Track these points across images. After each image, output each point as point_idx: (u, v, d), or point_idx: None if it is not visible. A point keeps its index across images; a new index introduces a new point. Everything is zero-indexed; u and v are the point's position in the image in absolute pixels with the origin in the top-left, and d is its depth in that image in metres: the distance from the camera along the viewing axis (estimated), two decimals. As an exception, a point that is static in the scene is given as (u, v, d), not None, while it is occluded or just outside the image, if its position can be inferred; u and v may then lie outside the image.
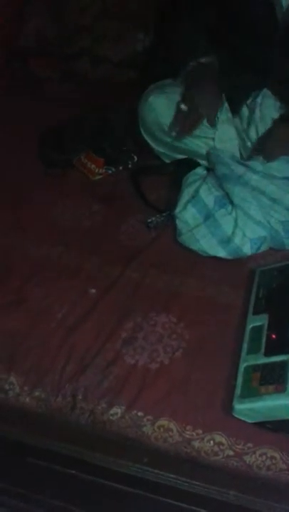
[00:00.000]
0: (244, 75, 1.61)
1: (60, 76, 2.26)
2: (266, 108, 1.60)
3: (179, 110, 1.62)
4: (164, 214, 1.58)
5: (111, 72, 2.19)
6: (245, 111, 1.65)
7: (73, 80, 2.23)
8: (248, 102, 1.64)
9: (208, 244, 1.44)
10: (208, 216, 1.47)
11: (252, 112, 1.61)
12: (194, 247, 1.46)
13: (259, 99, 1.61)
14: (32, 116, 2.05)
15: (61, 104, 2.11)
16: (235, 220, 1.43)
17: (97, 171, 1.77)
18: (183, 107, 1.61)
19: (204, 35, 1.62)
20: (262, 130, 1.60)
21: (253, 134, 1.61)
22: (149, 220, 1.57)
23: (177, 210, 1.52)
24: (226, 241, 1.42)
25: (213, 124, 1.63)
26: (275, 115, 1.59)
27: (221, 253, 1.43)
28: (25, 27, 2.29)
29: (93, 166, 1.78)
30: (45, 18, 2.27)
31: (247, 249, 1.42)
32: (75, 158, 1.81)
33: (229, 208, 1.45)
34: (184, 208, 1.51)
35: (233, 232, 1.42)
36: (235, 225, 1.42)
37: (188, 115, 1.61)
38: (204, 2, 1.62)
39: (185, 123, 1.62)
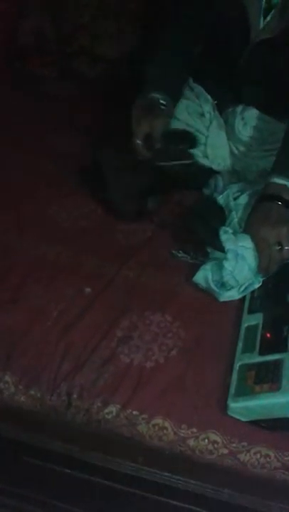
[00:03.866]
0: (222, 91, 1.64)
1: (58, 74, 2.27)
2: (248, 117, 1.61)
3: None
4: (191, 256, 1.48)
5: (109, 71, 2.20)
6: (227, 116, 1.65)
7: (72, 78, 2.24)
8: (229, 110, 1.65)
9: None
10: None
11: (232, 118, 1.62)
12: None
13: (239, 108, 1.61)
14: (31, 114, 2.06)
15: (60, 103, 2.13)
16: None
17: None
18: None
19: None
20: (243, 137, 1.60)
21: (237, 143, 1.62)
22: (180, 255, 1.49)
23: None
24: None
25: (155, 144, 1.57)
26: (259, 124, 1.60)
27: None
28: (23, 26, 2.30)
29: None
30: (44, 17, 2.28)
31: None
32: None
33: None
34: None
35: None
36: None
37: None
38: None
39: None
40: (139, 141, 1.54)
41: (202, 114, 1.63)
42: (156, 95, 1.56)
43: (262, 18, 1.48)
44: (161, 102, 1.56)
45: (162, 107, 1.57)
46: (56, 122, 2.02)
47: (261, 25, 1.48)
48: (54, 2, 2.23)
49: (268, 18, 1.48)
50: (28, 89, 2.22)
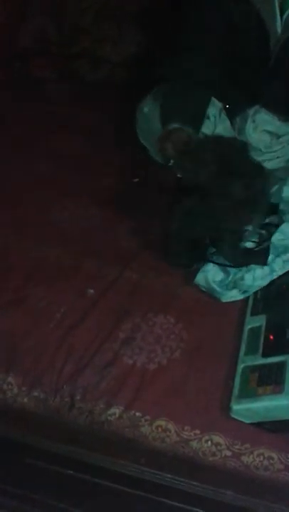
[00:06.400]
0: (237, 94, 1.62)
1: (59, 76, 2.27)
2: (260, 120, 1.61)
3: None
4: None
5: (110, 73, 2.20)
6: (237, 121, 1.65)
7: (73, 80, 2.24)
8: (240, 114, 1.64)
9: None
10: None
11: (244, 122, 1.62)
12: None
13: (251, 112, 1.61)
14: (32, 116, 2.06)
15: (61, 104, 2.13)
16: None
17: None
18: None
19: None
20: (253, 141, 1.60)
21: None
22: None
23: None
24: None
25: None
26: (269, 128, 1.60)
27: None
28: (25, 27, 2.30)
29: None
30: (46, 19, 2.28)
31: None
32: None
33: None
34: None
35: None
36: None
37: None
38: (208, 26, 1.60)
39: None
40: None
41: (207, 117, 1.63)
42: (181, 127, 1.48)
43: (278, 17, 1.47)
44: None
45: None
46: (57, 124, 2.02)
47: (278, 22, 1.47)
48: (56, 4, 2.24)
49: (287, 13, 1.47)
50: (29, 91, 2.23)
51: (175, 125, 1.48)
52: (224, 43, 1.56)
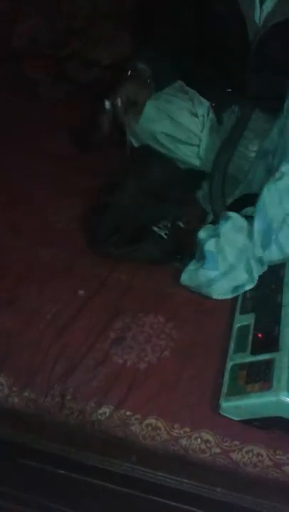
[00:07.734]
0: (221, 90, 1.62)
1: (52, 78, 2.28)
2: None
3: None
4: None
5: (102, 75, 2.20)
6: (224, 118, 1.66)
7: (66, 81, 2.24)
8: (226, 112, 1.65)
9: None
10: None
11: (230, 120, 1.62)
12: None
13: (236, 108, 1.62)
14: (27, 116, 2.07)
15: (55, 105, 2.14)
16: None
17: None
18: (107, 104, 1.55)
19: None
20: (241, 139, 1.61)
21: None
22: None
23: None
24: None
25: (137, 114, 1.55)
26: (254, 125, 1.60)
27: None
28: (18, 29, 2.31)
29: None
30: (39, 20, 2.28)
31: None
32: None
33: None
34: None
35: None
36: None
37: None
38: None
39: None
40: (120, 102, 1.50)
41: (196, 115, 1.63)
42: (145, 67, 1.54)
43: (258, 7, 1.45)
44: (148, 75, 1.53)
45: (148, 81, 1.55)
46: (51, 124, 2.03)
47: (257, 13, 1.46)
48: (49, 5, 2.24)
49: (267, 4, 1.44)
50: (23, 91, 2.23)
51: (141, 65, 1.53)
52: (204, 31, 1.56)
